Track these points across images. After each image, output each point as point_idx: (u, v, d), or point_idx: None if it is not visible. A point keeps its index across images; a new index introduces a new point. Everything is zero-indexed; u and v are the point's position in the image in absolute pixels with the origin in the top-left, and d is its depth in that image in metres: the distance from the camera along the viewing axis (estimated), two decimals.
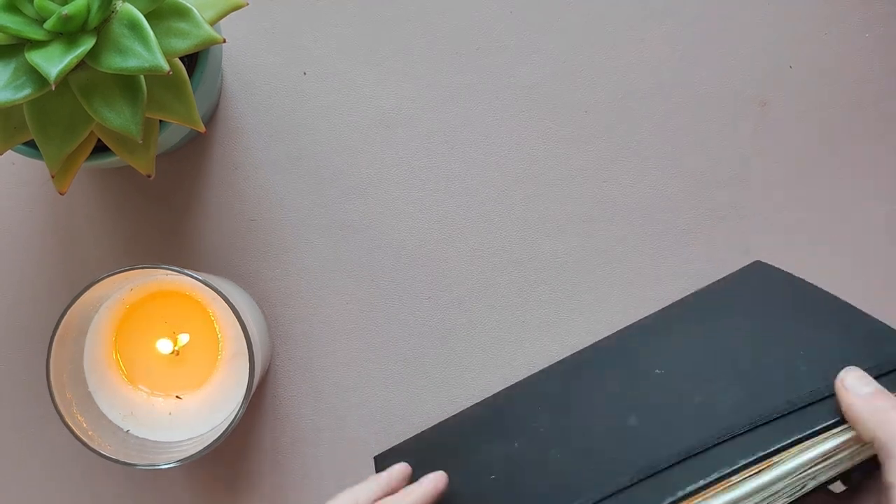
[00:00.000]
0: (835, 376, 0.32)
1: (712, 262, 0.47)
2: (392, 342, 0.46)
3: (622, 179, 0.47)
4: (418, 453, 0.41)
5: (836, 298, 0.37)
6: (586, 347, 0.43)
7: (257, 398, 0.46)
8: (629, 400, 0.36)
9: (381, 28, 0.47)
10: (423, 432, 0.44)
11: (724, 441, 0.31)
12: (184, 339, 0.43)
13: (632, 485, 0.31)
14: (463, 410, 0.44)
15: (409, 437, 0.44)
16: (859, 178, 0.48)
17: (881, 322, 0.35)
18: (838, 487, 0.34)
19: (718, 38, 0.47)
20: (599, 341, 0.43)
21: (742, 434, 0.31)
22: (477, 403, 0.44)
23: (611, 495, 0.31)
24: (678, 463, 0.31)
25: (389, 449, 0.44)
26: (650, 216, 0.46)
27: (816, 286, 0.38)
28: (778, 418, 0.31)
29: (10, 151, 0.35)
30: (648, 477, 0.31)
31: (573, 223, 0.46)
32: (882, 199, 0.48)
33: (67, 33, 0.31)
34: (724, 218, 0.47)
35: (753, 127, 0.48)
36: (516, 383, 0.44)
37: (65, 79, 0.31)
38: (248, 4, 0.35)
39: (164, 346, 0.43)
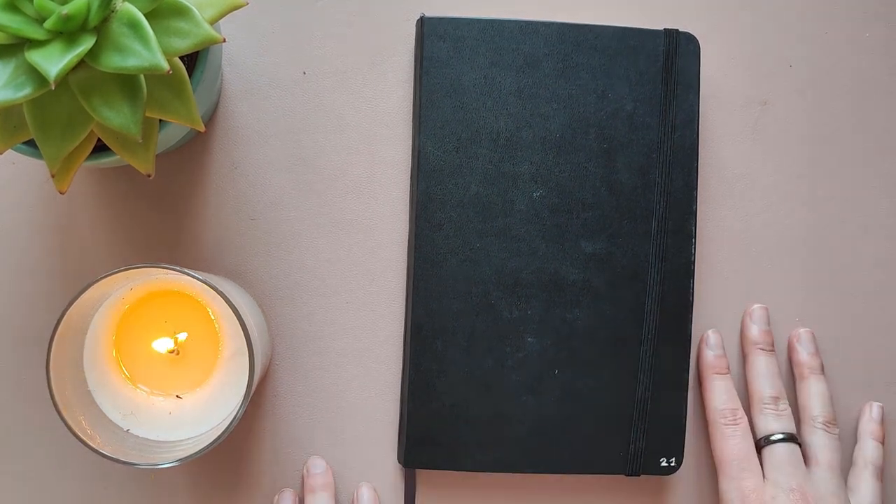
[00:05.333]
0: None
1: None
2: (392, 342, 0.46)
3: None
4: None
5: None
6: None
7: (257, 398, 0.46)
8: None
9: (380, 28, 0.47)
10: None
11: None
12: (182, 336, 0.43)
13: None
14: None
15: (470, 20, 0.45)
16: (859, 177, 0.48)
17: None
18: None
19: (718, 38, 0.47)
20: None
21: None
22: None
23: None
24: None
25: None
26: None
27: None
28: None
29: (9, 151, 0.35)
30: None
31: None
32: (882, 198, 0.48)
33: (67, 32, 0.31)
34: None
35: (753, 127, 0.48)
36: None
37: (64, 78, 0.31)
38: (248, 4, 0.35)
39: (162, 344, 0.43)
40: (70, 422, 0.38)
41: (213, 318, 0.43)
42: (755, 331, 0.46)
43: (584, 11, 0.47)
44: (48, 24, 0.31)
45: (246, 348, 0.38)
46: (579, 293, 0.44)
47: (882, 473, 0.45)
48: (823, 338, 0.48)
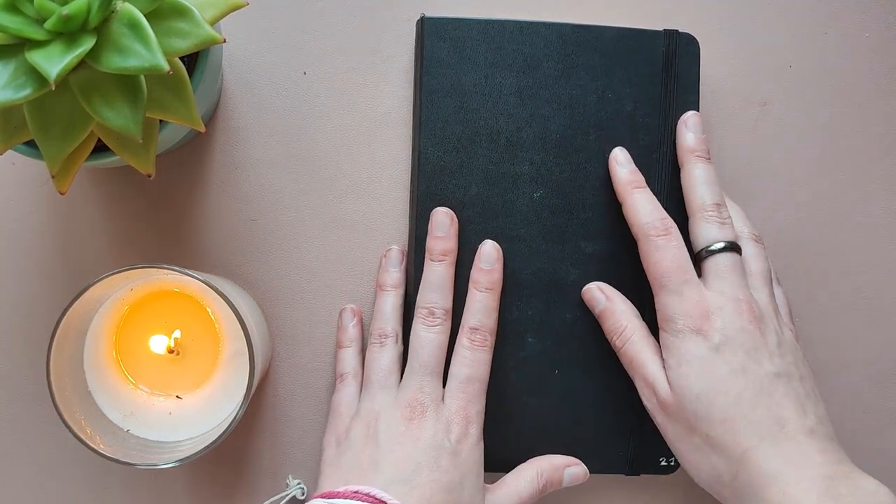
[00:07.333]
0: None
1: None
2: None
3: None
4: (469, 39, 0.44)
5: None
6: None
7: (257, 398, 0.46)
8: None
9: (381, 28, 0.47)
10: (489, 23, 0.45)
11: None
12: (177, 334, 0.43)
13: None
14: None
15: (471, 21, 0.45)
16: (859, 177, 0.48)
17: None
18: None
19: (718, 39, 0.48)
20: None
21: None
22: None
23: None
24: None
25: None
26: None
27: None
28: None
29: (10, 151, 0.35)
30: None
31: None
32: (882, 198, 0.48)
33: (67, 33, 0.31)
34: None
35: (753, 127, 0.48)
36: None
37: (65, 78, 0.31)
38: (248, 4, 0.35)
39: (158, 342, 0.42)
40: (70, 422, 0.38)
41: (213, 318, 0.43)
42: (691, 138, 0.44)
43: (585, 12, 0.47)
44: (48, 24, 0.31)
45: (246, 349, 0.38)
46: (579, 293, 0.44)
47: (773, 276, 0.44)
48: (823, 336, 0.48)
